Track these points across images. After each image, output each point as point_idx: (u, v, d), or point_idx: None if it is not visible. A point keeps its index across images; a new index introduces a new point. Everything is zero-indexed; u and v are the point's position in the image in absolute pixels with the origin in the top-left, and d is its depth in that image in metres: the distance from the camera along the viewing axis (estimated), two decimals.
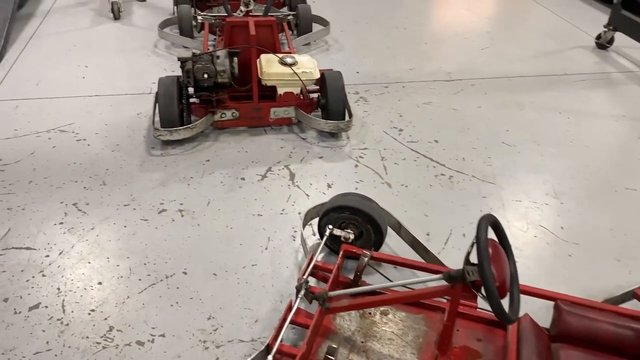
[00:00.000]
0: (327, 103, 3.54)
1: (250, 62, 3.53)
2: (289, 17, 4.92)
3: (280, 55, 3.58)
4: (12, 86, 4.16)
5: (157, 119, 3.51)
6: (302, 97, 3.67)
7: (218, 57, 3.40)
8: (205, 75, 3.34)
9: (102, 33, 5.13)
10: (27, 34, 5.01)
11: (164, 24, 4.96)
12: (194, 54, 3.40)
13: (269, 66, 3.49)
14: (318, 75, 3.53)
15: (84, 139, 3.53)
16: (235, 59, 3.45)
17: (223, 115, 3.59)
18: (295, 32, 4.96)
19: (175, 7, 5.32)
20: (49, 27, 5.19)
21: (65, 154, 3.39)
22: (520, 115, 4.02)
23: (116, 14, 5.35)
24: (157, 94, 3.57)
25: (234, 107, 3.58)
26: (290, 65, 3.50)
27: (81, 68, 4.45)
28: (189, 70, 3.31)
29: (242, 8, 4.30)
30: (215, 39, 4.78)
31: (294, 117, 3.69)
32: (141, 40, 4.97)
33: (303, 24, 4.86)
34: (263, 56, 3.57)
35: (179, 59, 3.39)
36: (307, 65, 3.54)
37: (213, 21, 4.76)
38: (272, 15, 4.31)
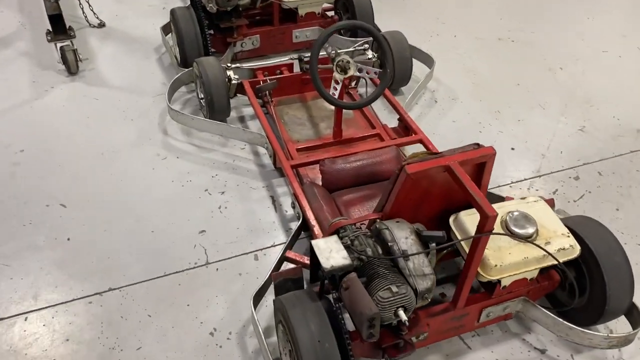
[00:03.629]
0: (602, 296, 1.87)
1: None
2: (374, 58, 2.98)
3: (501, 215, 1.82)
4: None
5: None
6: (537, 281, 1.97)
7: (407, 257, 1.62)
8: (402, 312, 1.58)
9: (55, 110, 2.99)
10: None
11: (173, 89, 2.94)
12: (353, 249, 1.62)
13: (499, 254, 1.75)
14: (578, 250, 1.82)
15: None
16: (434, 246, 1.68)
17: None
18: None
19: (166, 36, 3.29)
20: None
21: None
22: None
23: (72, 67, 3.20)
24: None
25: (426, 328, 1.84)
26: (528, 238, 1.78)
27: (46, 219, 2.42)
28: (373, 321, 1.50)
29: (338, 77, 2.40)
30: (265, 105, 2.86)
31: (516, 311, 2.01)
32: (133, 118, 2.93)
33: (400, 68, 2.99)
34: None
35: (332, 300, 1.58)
36: (554, 230, 1.83)
37: (262, 84, 2.81)
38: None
